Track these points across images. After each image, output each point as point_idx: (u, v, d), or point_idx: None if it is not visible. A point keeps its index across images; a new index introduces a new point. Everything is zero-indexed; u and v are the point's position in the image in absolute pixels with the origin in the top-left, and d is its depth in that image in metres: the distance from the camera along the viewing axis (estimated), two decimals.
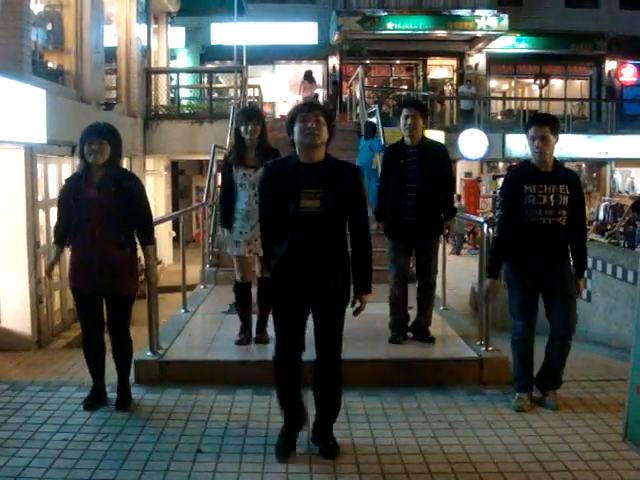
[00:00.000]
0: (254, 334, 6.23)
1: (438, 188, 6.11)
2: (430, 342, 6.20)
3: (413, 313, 6.36)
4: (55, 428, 4.69)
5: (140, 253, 5.16)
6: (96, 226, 4.84)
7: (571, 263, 5.09)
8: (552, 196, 4.86)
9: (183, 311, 7.42)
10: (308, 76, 18.45)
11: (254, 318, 6.27)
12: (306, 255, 4.04)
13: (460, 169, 23.39)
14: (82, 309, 5.12)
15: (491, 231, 5.72)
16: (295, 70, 25.76)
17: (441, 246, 6.68)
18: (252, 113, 6.17)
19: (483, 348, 5.85)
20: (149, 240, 5.11)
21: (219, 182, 8.10)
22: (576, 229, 5.03)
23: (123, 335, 5.10)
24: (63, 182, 5.25)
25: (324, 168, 4.08)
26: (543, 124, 4.90)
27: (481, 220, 6.55)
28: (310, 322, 4.23)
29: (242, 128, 5.93)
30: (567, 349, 5.08)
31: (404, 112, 6.05)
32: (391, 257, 6.24)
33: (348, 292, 4.19)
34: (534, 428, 4.71)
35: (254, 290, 6.26)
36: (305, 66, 25.04)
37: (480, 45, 24.69)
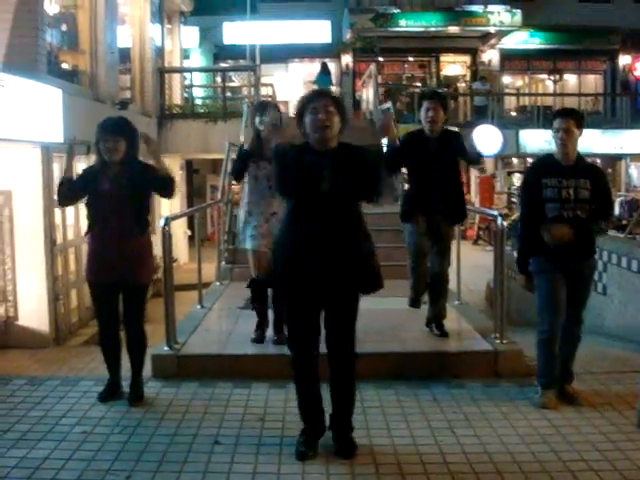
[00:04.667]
0: (270, 331, 6.18)
1: (458, 175, 6.12)
2: (444, 337, 6.18)
3: (426, 308, 6.36)
4: (74, 421, 4.75)
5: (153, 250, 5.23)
6: (110, 218, 4.89)
7: (595, 257, 5.06)
8: (572, 190, 4.85)
9: (199, 307, 7.47)
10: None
11: (270, 314, 6.23)
12: (318, 241, 3.92)
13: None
14: (99, 302, 5.14)
15: (505, 224, 5.77)
16: (309, 68, 25.80)
17: (456, 242, 6.68)
18: (267, 104, 6.22)
19: (498, 341, 5.85)
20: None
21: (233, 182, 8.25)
22: (599, 206, 4.95)
23: (138, 327, 5.13)
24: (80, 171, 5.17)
25: (334, 153, 3.98)
26: (568, 116, 4.94)
27: (495, 213, 6.55)
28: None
29: (257, 120, 5.96)
30: (577, 342, 5.10)
31: (425, 104, 5.97)
32: (410, 241, 6.08)
33: (360, 280, 4.07)
34: (549, 419, 4.71)
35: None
36: (318, 65, 25.14)
37: (493, 41, 24.62)
